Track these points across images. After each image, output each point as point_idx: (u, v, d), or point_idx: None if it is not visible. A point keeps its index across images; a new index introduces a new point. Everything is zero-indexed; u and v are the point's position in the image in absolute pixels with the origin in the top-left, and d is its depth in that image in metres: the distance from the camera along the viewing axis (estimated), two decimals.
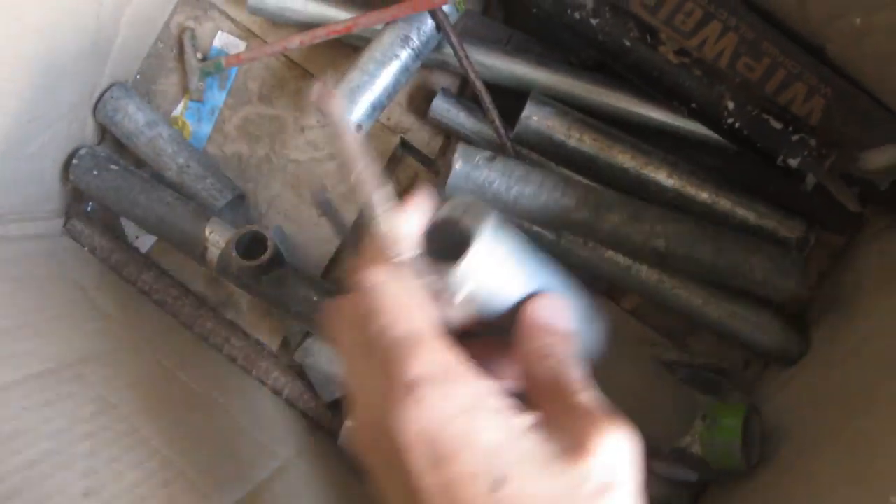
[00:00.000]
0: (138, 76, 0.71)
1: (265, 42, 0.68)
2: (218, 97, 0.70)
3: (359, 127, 0.59)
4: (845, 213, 0.60)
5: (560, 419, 0.33)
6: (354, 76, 0.59)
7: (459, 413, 0.31)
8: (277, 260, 0.61)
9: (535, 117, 0.62)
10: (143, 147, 0.67)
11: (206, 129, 0.70)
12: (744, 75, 0.57)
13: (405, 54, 0.59)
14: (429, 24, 0.59)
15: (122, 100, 0.67)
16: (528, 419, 0.33)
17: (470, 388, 0.33)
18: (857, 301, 0.59)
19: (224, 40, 0.69)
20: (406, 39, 0.59)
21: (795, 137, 0.55)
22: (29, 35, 0.56)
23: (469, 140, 0.64)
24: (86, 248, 0.70)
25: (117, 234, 0.71)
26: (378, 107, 0.60)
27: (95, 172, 0.66)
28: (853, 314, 0.59)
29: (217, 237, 0.63)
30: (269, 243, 0.59)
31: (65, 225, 0.71)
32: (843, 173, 0.57)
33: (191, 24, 0.70)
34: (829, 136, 0.57)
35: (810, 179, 0.55)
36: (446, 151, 0.68)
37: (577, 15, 0.58)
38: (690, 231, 0.59)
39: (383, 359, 0.33)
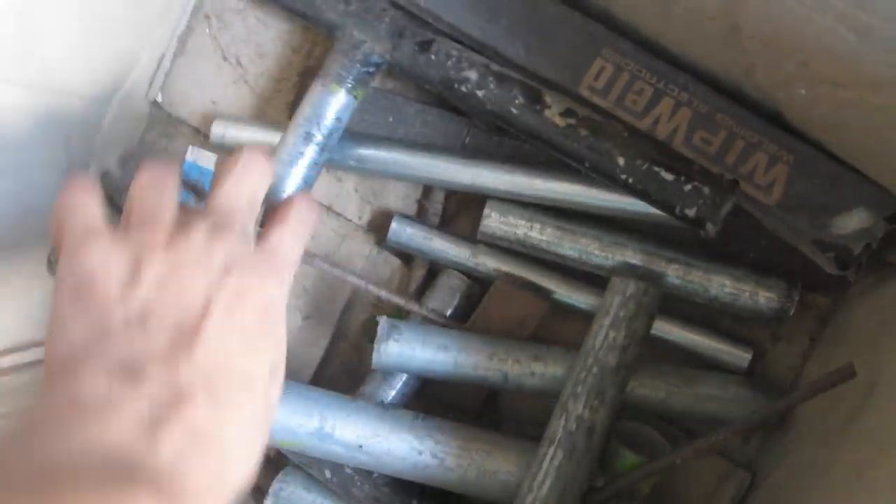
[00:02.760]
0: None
1: None
2: None
3: None
4: (828, 274, 0.58)
5: None
6: None
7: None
8: None
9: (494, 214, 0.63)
10: None
11: None
12: (701, 150, 0.56)
13: (310, 150, 0.59)
14: (328, 116, 0.59)
15: None
16: None
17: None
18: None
19: (195, 153, 0.70)
20: (308, 136, 0.59)
21: (687, 187, 0.55)
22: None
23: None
24: None
25: None
26: None
27: None
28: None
29: None
30: None
31: None
32: (814, 240, 0.55)
33: (163, 141, 0.71)
34: (795, 204, 0.55)
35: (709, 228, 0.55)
36: None
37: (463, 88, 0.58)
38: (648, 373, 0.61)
39: None
